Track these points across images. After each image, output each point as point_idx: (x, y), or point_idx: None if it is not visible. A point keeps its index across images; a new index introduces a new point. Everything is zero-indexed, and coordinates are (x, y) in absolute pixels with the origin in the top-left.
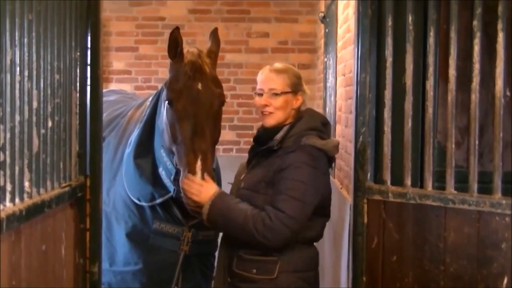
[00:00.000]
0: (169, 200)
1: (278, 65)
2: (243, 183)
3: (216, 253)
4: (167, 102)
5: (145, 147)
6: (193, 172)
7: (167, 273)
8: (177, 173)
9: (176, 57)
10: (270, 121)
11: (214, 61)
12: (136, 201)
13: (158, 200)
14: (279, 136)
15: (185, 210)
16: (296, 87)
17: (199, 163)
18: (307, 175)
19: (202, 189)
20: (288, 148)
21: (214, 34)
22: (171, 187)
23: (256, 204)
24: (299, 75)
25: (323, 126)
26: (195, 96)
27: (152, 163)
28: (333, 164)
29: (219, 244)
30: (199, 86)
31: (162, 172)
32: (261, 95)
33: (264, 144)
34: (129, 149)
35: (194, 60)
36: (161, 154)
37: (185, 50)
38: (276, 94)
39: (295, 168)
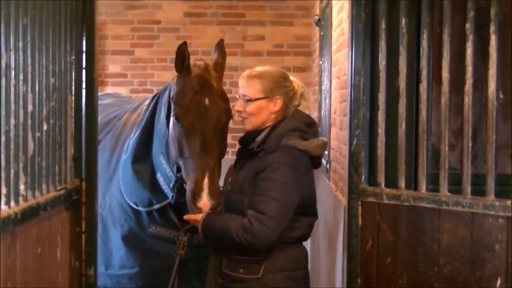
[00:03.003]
0: (166, 205)
1: (257, 69)
2: (230, 186)
3: None
4: (174, 117)
5: (143, 152)
6: (200, 189)
7: (163, 276)
8: (177, 181)
9: (183, 71)
10: (247, 126)
11: (220, 74)
12: (133, 206)
13: (156, 206)
14: (260, 138)
15: (181, 214)
16: (271, 92)
17: (206, 180)
18: (286, 175)
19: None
20: (269, 149)
21: (220, 46)
22: (169, 193)
23: (243, 206)
24: (277, 78)
25: (307, 127)
26: (202, 112)
27: (150, 168)
28: (326, 164)
29: None
30: (207, 101)
31: (160, 178)
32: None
33: (248, 146)
34: (126, 154)
35: (201, 74)
36: (161, 161)
37: (191, 62)
38: (248, 101)
39: (274, 168)
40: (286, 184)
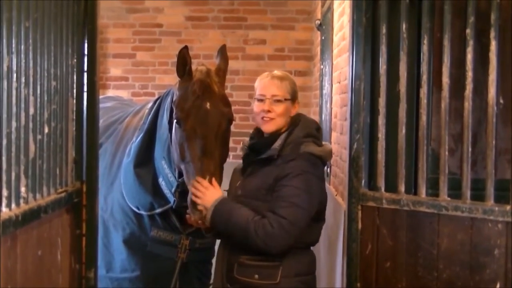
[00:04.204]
0: (168, 209)
1: (278, 72)
2: (240, 191)
3: (213, 260)
4: (175, 121)
5: (145, 156)
6: None
7: (165, 280)
8: (178, 186)
9: (185, 75)
10: (271, 127)
11: (222, 79)
12: (135, 209)
13: (158, 210)
14: (277, 144)
15: (183, 218)
16: (294, 95)
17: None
18: (307, 182)
19: (206, 192)
20: (287, 156)
21: (222, 51)
22: (171, 198)
23: (256, 211)
24: (295, 83)
25: (317, 132)
26: (203, 116)
27: (152, 172)
28: (327, 168)
29: (216, 250)
30: (208, 105)
31: (162, 182)
32: (261, 101)
33: (260, 152)
34: (129, 158)
35: (203, 79)
36: (163, 166)
37: (193, 67)
38: (279, 101)
39: (295, 175)
40: (306, 192)
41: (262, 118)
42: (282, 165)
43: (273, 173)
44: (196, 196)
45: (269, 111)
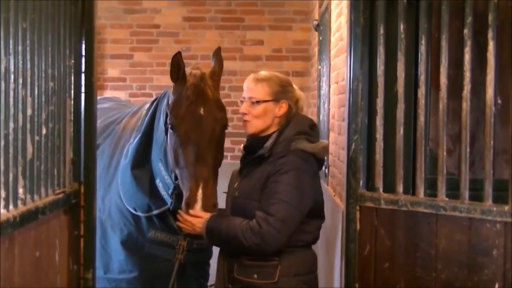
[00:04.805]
0: (166, 211)
1: (263, 73)
2: (237, 192)
3: (211, 261)
4: (169, 126)
5: (142, 158)
6: (194, 200)
7: (162, 281)
8: (175, 188)
9: (179, 80)
10: (250, 129)
11: (217, 83)
12: (132, 211)
13: (155, 212)
14: (269, 143)
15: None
16: (278, 95)
17: (200, 191)
18: (296, 179)
19: (194, 223)
20: (279, 153)
21: (217, 54)
22: (168, 199)
23: (252, 211)
24: (284, 83)
25: (311, 129)
26: (197, 121)
27: (149, 174)
28: (323, 166)
29: (218, 252)
30: (201, 111)
31: (159, 184)
32: (243, 102)
33: (254, 153)
34: (126, 160)
35: (197, 84)
36: (159, 167)
37: (188, 71)
38: (255, 103)
39: (285, 172)
40: (296, 188)
41: (243, 120)
42: (273, 163)
43: (265, 171)
44: (185, 228)
45: (245, 113)
